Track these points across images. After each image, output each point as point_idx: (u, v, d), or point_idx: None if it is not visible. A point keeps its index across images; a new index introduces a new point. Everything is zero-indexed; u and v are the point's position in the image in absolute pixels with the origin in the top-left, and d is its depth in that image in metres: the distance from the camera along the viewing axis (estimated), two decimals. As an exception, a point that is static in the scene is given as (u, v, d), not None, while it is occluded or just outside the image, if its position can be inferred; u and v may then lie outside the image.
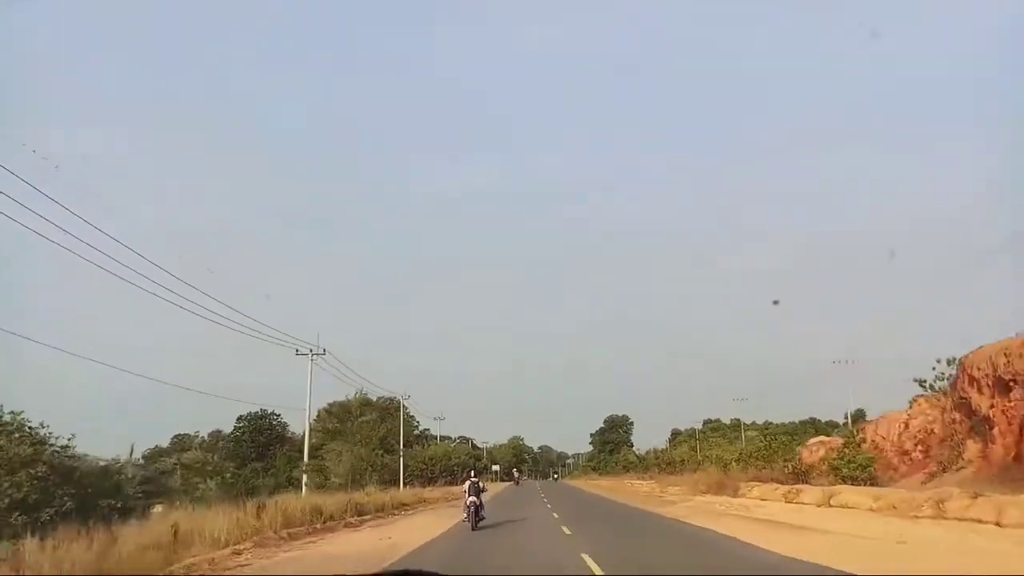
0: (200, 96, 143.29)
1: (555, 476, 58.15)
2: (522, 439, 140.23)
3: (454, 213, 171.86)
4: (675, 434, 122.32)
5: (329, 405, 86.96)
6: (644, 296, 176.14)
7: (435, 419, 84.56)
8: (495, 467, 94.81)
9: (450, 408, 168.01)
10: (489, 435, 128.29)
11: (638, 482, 63.73)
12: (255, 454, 72.13)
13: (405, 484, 58.96)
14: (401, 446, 58.57)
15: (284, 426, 78.85)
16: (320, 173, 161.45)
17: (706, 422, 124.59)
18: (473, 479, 21.81)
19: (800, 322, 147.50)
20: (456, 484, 66.05)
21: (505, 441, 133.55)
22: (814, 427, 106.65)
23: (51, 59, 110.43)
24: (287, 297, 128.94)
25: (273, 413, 77.53)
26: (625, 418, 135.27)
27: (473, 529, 20.27)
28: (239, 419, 76.62)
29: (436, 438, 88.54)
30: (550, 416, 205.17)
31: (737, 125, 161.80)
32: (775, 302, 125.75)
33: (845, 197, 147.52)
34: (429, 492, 47.81)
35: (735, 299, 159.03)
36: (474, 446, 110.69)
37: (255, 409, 75.73)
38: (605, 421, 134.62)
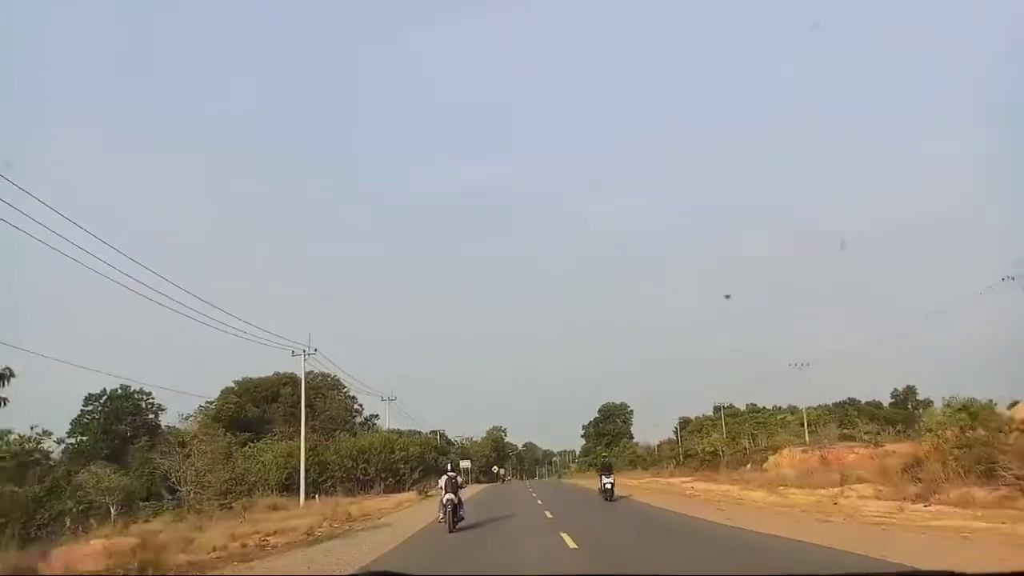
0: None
1: (609, 479, 33.30)
2: (503, 430, 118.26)
3: (451, 212, 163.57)
4: (684, 422, 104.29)
5: (236, 383, 63.81)
6: (639, 290, 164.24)
7: (383, 399, 61.35)
8: (464, 463, 70.90)
9: (436, 411, 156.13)
10: (468, 433, 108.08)
11: (675, 480, 41.98)
12: (107, 451, 49.43)
13: (315, 494, 36.44)
14: (304, 431, 35.77)
15: (157, 411, 56.20)
16: (317, 172, 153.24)
17: (716, 408, 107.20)
18: (451, 474, 19.66)
19: (798, 314, 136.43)
20: (402, 491, 44.50)
21: (484, 434, 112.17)
22: (856, 409, 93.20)
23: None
24: (276, 296, 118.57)
25: (142, 392, 54.76)
26: (623, 406, 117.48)
27: (450, 531, 17.76)
28: (87, 400, 53.55)
29: (386, 428, 65.17)
30: (534, 413, 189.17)
31: (738, 121, 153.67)
32: (727, 296, 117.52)
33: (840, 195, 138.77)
34: (312, 512, 24.94)
35: (735, 290, 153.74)
36: (447, 440, 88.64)
37: (114, 385, 52.35)
38: (600, 410, 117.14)
